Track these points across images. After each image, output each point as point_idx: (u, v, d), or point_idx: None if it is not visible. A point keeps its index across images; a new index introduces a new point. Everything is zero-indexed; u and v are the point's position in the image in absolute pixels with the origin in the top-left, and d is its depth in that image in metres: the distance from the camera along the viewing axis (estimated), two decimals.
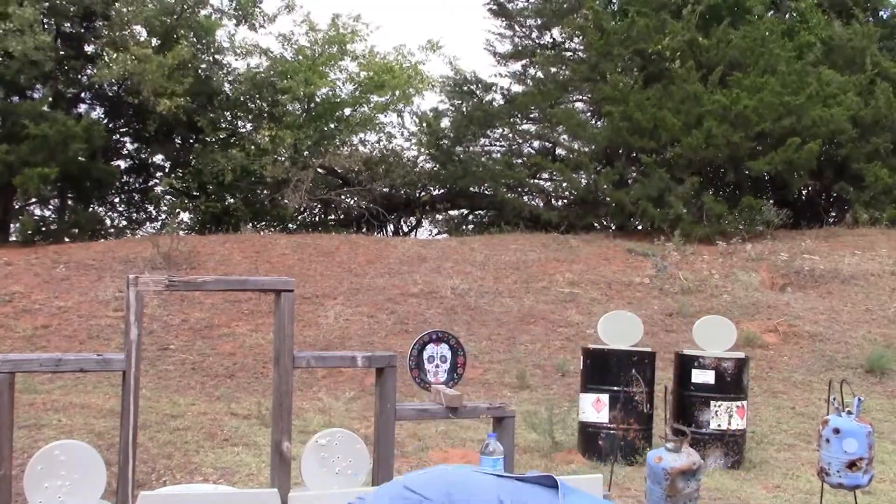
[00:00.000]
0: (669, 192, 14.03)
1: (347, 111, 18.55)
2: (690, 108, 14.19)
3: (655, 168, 14.20)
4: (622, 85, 14.83)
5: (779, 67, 14.34)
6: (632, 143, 14.50)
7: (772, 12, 16.61)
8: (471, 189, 17.69)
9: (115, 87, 15.76)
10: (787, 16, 16.68)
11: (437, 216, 18.98)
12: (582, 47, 17.44)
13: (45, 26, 13.57)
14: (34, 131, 12.63)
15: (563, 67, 17.25)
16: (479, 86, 18.75)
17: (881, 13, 17.64)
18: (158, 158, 17.71)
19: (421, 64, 19.11)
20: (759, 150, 14.23)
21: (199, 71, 16.11)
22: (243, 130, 17.97)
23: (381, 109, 18.90)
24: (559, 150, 17.30)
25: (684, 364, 6.39)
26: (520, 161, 17.72)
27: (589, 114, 17.76)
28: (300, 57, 17.73)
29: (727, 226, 13.96)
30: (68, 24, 14.90)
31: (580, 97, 17.73)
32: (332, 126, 18.12)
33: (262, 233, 15.37)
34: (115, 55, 13.79)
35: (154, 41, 14.99)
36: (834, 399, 4.04)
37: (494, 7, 18.68)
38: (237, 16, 17.00)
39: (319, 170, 17.32)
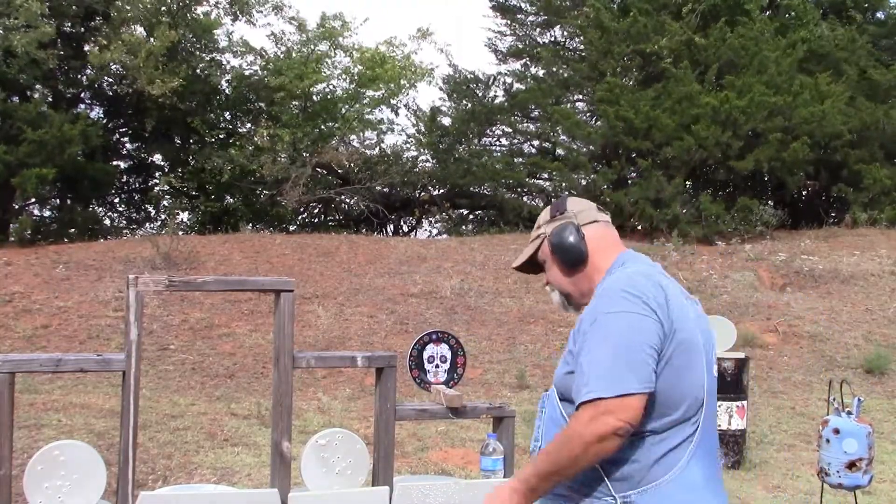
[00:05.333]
0: (666, 193, 14.06)
1: (344, 109, 18.54)
2: (686, 109, 14.22)
3: (651, 169, 14.23)
4: (617, 87, 14.85)
5: (768, 67, 14.38)
6: (627, 143, 14.53)
7: (768, 12, 16.63)
8: (471, 189, 17.69)
9: (114, 85, 15.76)
10: (786, 15, 16.69)
11: (437, 216, 18.99)
12: (583, 46, 17.47)
13: (48, 25, 13.56)
14: (31, 136, 12.63)
15: (565, 66, 17.27)
16: (480, 84, 18.76)
17: (879, 14, 17.65)
18: (157, 158, 17.71)
19: (413, 53, 19.11)
20: (748, 150, 14.27)
21: (198, 70, 16.10)
22: (242, 130, 17.98)
23: (376, 104, 18.89)
24: (559, 150, 17.31)
25: None
26: (520, 161, 17.73)
27: (589, 114, 17.78)
28: (292, 55, 17.72)
29: (725, 226, 13.98)
30: (69, 24, 14.90)
31: (581, 96, 17.75)
32: (329, 124, 18.12)
33: (261, 233, 15.37)
34: (106, 43, 13.81)
35: (144, 33, 14.97)
36: (834, 399, 4.04)
37: (495, 3, 18.71)
38: (234, 11, 16.97)
39: (319, 168, 17.33)
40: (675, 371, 1.76)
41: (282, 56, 17.76)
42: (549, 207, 2.09)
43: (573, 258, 1.96)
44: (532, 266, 2.11)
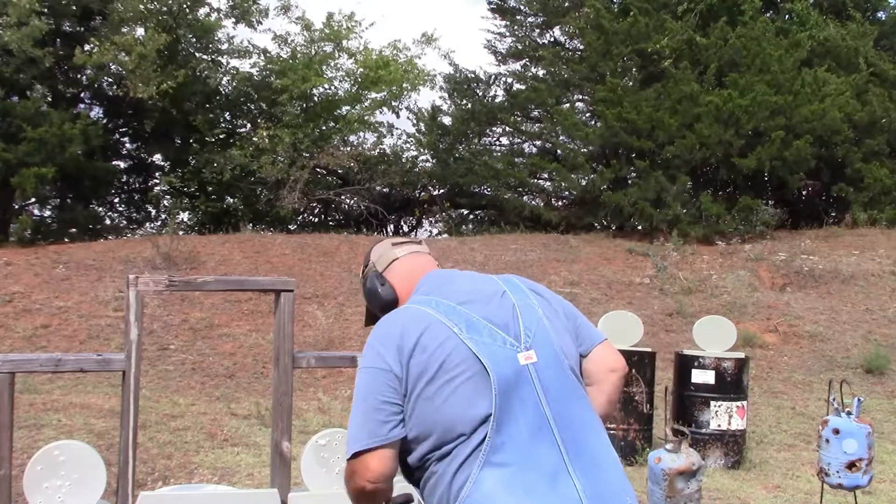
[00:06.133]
0: (667, 193, 14.05)
1: (345, 109, 18.53)
2: (687, 109, 14.21)
3: (651, 169, 14.22)
4: (619, 87, 14.84)
5: (771, 66, 14.38)
6: (629, 143, 14.52)
7: (770, 13, 16.62)
8: (471, 188, 17.68)
9: (113, 85, 15.75)
10: (786, 17, 16.69)
11: (437, 216, 18.97)
12: (582, 47, 17.46)
13: (44, 20, 13.54)
14: (31, 135, 12.62)
15: (564, 66, 17.26)
16: (480, 84, 18.75)
17: (879, 14, 17.65)
18: (157, 158, 17.71)
19: (417, 58, 19.06)
20: (750, 148, 14.26)
21: (198, 71, 16.09)
22: (242, 130, 17.97)
23: (378, 106, 18.87)
24: (559, 150, 17.31)
25: (684, 364, 6.39)
26: (520, 160, 17.72)
27: (589, 114, 17.77)
28: (297, 56, 17.70)
29: (725, 226, 13.97)
30: (68, 24, 14.89)
31: (581, 97, 17.74)
32: (330, 125, 18.12)
33: (261, 233, 15.36)
34: (99, 43, 13.80)
35: (143, 34, 14.94)
36: (834, 399, 4.04)
37: (495, 5, 18.71)
38: (235, 14, 16.96)
39: (318, 169, 17.31)
40: (429, 400, 1.78)
41: (286, 57, 17.75)
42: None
43: (381, 305, 2.05)
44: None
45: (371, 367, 1.83)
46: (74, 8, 14.47)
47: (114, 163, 16.68)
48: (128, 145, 17.69)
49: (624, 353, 6.68)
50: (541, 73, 18.09)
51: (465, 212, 19.61)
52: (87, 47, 14.08)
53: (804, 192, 16.90)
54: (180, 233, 14.07)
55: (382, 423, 1.78)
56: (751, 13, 15.15)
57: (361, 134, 18.84)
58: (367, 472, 1.76)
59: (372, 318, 2.17)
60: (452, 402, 1.77)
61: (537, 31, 19.08)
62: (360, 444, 1.77)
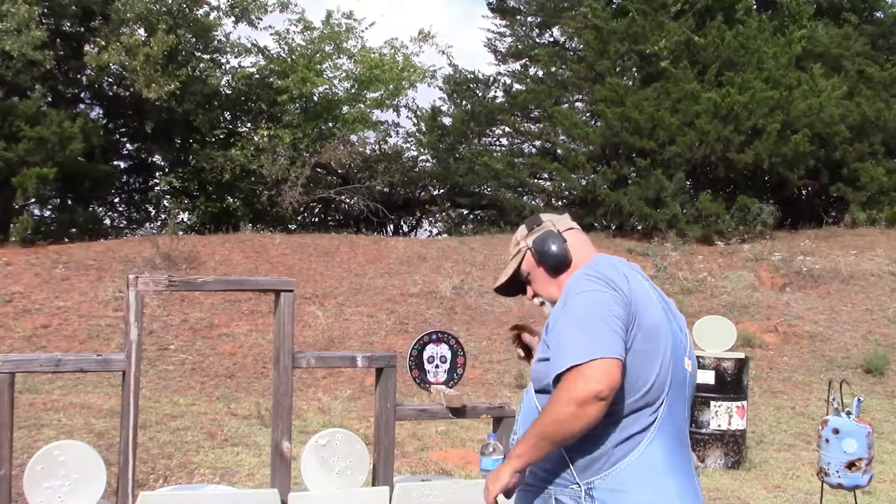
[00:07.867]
0: (666, 192, 14.05)
1: (345, 109, 18.53)
2: (687, 108, 14.22)
3: (651, 168, 14.22)
4: (619, 87, 14.84)
5: (767, 63, 14.42)
6: (630, 143, 14.53)
7: (769, 12, 16.63)
8: (472, 188, 17.69)
9: (113, 85, 15.75)
10: (784, 17, 16.70)
11: (437, 216, 18.97)
12: (581, 47, 17.48)
13: (44, 25, 13.53)
14: (30, 133, 12.61)
15: (563, 66, 17.27)
16: (480, 84, 18.76)
17: (877, 13, 17.65)
18: (157, 158, 17.70)
19: (414, 56, 19.07)
20: (749, 144, 14.27)
21: (198, 70, 16.08)
22: (242, 130, 17.97)
23: (377, 105, 18.87)
24: (559, 150, 17.33)
25: None
26: (520, 160, 17.73)
27: (588, 114, 17.77)
28: (296, 56, 17.69)
29: (724, 225, 13.97)
30: (68, 24, 14.88)
31: (580, 97, 17.75)
32: (330, 125, 18.11)
33: (261, 233, 15.36)
34: (105, 44, 13.78)
35: (144, 34, 14.93)
36: (833, 399, 4.04)
37: (494, 4, 18.72)
38: (235, 13, 16.94)
39: (318, 168, 17.31)
40: (635, 355, 1.82)
41: (285, 56, 17.73)
42: (523, 225, 2.22)
43: (558, 262, 2.06)
44: (512, 287, 2.26)
45: (604, 291, 1.83)
46: (75, 9, 14.46)
47: (114, 163, 16.67)
48: (128, 145, 17.69)
49: None
50: (540, 73, 18.10)
51: (465, 212, 19.61)
52: (92, 48, 14.05)
53: (803, 193, 16.91)
54: (180, 233, 14.07)
55: (621, 340, 1.78)
56: (742, 11, 15.19)
57: (362, 133, 18.86)
58: (602, 376, 1.71)
59: (513, 286, 2.23)
60: (648, 367, 1.84)
61: (536, 30, 19.10)
62: (600, 352, 1.72)
